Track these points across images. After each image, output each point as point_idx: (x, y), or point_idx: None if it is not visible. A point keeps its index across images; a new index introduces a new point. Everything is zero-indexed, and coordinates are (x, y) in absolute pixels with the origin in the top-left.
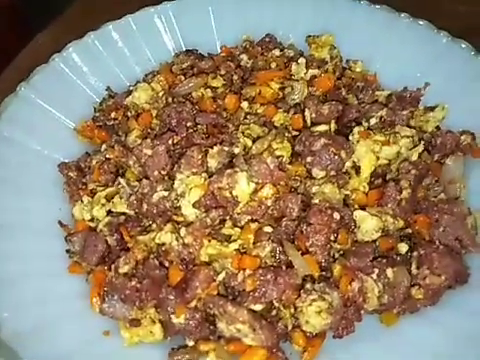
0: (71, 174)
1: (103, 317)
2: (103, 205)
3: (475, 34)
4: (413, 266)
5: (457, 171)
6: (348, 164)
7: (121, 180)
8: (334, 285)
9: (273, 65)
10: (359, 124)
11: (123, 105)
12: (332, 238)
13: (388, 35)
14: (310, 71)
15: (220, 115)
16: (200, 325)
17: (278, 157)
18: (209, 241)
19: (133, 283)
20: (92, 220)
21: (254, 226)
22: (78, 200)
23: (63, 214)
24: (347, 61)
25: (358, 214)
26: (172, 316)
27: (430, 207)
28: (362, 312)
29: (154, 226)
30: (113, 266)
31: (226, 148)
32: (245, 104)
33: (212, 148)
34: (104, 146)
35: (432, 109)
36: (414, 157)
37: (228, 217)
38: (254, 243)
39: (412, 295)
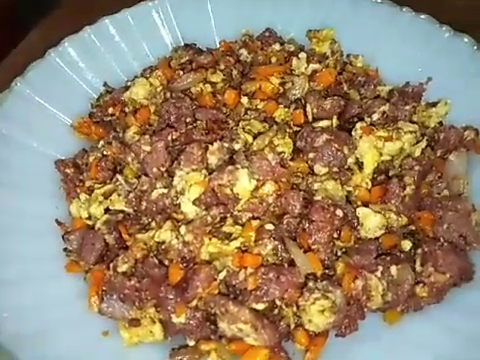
0: (68, 171)
1: (102, 317)
2: (101, 203)
3: (476, 29)
4: (417, 263)
5: (460, 167)
6: (351, 160)
7: (119, 177)
8: (337, 283)
9: (273, 60)
10: (361, 120)
11: (121, 101)
12: (335, 235)
13: (389, 29)
14: (311, 66)
15: (220, 110)
16: (201, 325)
17: (279, 153)
18: (210, 239)
19: (132, 282)
20: (90, 218)
21: (255, 223)
22: (75, 198)
23: (60, 212)
24: (348, 56)
25: (361, 211)
26: (172, 316)
27: (434, 204)
28: (365, 310)
29: (153, 224)
30: (111, 265)
31: (226, 144)
32: (245, 99)
33: (212, 144)
34: (101, 142)
35: (434, 104)
36: (417, 153)
37: (229, 214)
38: (255, 241)
39: (416, 293)
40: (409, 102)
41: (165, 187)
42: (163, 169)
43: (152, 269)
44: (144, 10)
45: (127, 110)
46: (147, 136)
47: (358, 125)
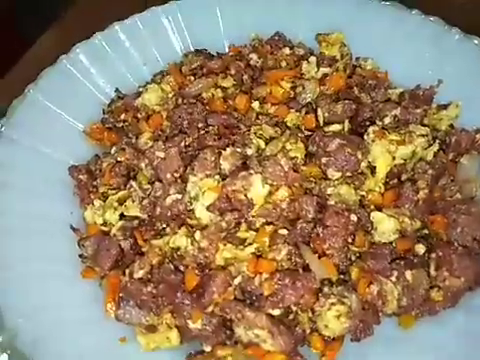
0: (82, 177)
1: (118, 323)
2: (115, 209)
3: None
4: (432, 268)
5: (472, 170)
6: (363, 164)
7: (133, 183)
8: (352, 288)
9: (283, 64)
10: (373, 123)
11: (132, 107)
12: (349, 240)
13: (398, 32)
14: (321, 70)
15: (231, 116)
16: (217, 330)
17: (292, 158)
18: (224, 245)
19: (149, 288)
20: (104, 224)
21: (269, 229)
22: (89, 203)
23: (75, 218)
24: (357, 59)
25: (375, 215)
26: (189, 321)
27: (447, 207)
28: (380, 315)
29: (168, 230)
30: (127, 271)
31: (239, 150)
32: (256, 104)
33: (225, 150)
34: (114, 148)
35: (445, 107)
36: (429, 156)
37: (243, 220)
38: (270, 246)
39: (431, 297)
40: (420, 105)
41: (179, 193)
42: (177, 175)
43: (168, 275)
44: (153, 15)
45: (139, 116)
46: (160, 142)
47: (370, 129)
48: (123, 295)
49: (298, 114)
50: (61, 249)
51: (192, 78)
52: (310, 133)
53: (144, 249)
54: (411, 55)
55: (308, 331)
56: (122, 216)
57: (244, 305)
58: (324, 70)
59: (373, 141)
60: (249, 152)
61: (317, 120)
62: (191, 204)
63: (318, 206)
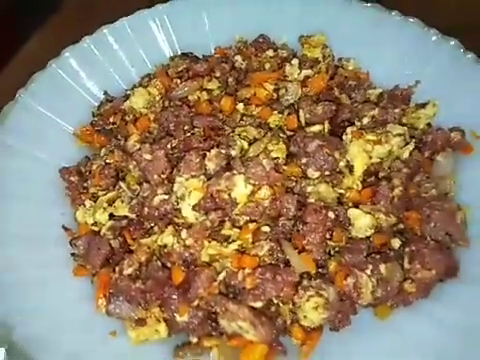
0: (72, 179)
1: (109, 318)
2: (105, 209)
3: (468, 30)
4: (405, 261)
5: (447, 167)
6: (342, 163)
7: (122, 184)
8: (330, 281)
9: (267, 66)
10: (352, 124)
11: (121, 109)
12: (327, 236)
13: (378, 33)
14: (303, 72)
15: (216, 117)
16: (203, 322)
17: (274, 159)
18: (209, 242)
19: (137, 285)
20: (95, 224)
21: (252, 226)
22: (80, 204)
23: (66, 218)
24: (340, 59)
25: (352, 212)
26: (176, 315)
27: (421, 204)
28: (357, 306)
29: (156, 229)
30: (117, 268)
31: (223, 151)
32: (240, 106)
33: (210, 151)
34: (104, 150)
35: (423, 106)
36: (405, 155)
37: (227, 218)
38: (253, 243)
39: (405, 289)
40: (398, 105)
41: (166, 193)
42: (164, 176)
43: (156, 272)
44: (141, 18)
45: (127, 119)
46: (147, 145)
47: (349, 130)
48: (113, 291)
49: (281, 115)
50: (54, 249)
51: (178, 81)
52: (292, 134)
53: (133, 247)
54: (391, 56)
55: (289, 322)
56: (112, 216)
57: (228, 299)
58: (306, 72)
59: (351, 141)
60: (233, 153)
61: (299, 121)
62: (178, 204)
63: (298, 204)
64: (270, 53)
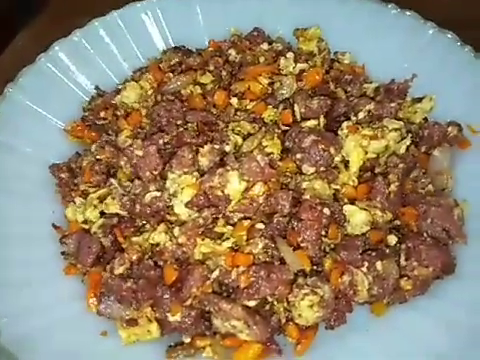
0: (63, 175)
1: (100, 317)
2: (96, 206)
3: (463, 24)
4: (402, 258)
5: (444, 162)
6: (337, 159)
7: (113, 181)
8: (325, 279)
9: (261, 59)
10: (348, 118)
11: (112, 104)
12: (323, 233)
13: (375, 26)
14: (298, 65)
15: (210, 112)
16: (196, 322)
17: (268, 154)
18: (202, 240)
19: (129, 284)
20: (86, 222)
21: (246, 223)
22: (70, 201)
23: (56, 216)
24: (335, 53)
25: (348, 208)
26: (168, 314)
27: (418, 199)
28: (353, 303)
29: (148, 226)
30: (108, 267)
31: (217, 146)
32: (234, 100)
33: (203, 147)
34: (94, 146)
35: (419, 100)
36: (402, 150)
37: (220, 215)
38: (247, 240)
39: (401, 286)
40: (394, 99)
41: (158, 190)
42: (156, 172)
43: (148, 271)
44: (133, 11)
45: (119, 114)
46: (139, 140)
47: (344, 124)
48: (104, 291)
49: (275, 110)
50: (44, 247)
51: (171, 75)
52: (287, 128)
53: (124, 246)
54: (387, 49)
55: (284, 320)
56: (102, 213)
57: (221, 297)
58: (301, 66)
59: (347, 136)
60: (227, 149)
61: (294, 116)
62: (170, 201)
63: (293, 200)
64: (265, 46)
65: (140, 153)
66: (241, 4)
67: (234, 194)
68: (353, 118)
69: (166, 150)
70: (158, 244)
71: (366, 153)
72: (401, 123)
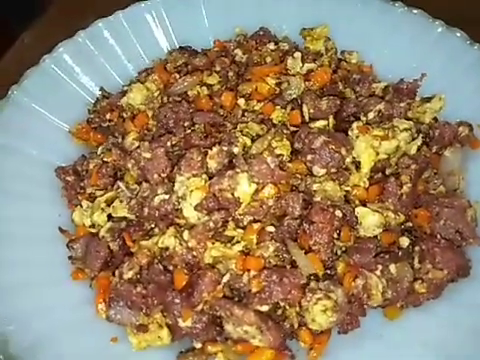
0: (69, 178)
1: (109, 323)
2: (103, 210)
3: (469, 23)
4: (415, 261)
5: (456, 163)
6: (348, 160)
7: (120, 184)
8: (338, 282)
9: (268, 59)
10: (357, 119)
11: (118, 106)
12: (335, 235)
13: (382, 25)
14: (306, 65)
15: (217, 113)
16: (207, 327)
17: (278, 156)
18: (212, 243)
19: (139, 289)
20: (93, 226)
21: (256, 226)
22: (77, 205)
23: (63, 219)
24: (342, 52)
25: (360, 210)
26: (179, 320)
27: (430, 201)
28: (366, 307)
29: (156, 230)
30: (117, 272)
31: (225, 148)
32: (242, 101)
33: (211, 149)
34: (101, 149)
35: (429, 100)
36: (413, 150)
37: (230, 218)
38: (257, 243)
39: (415, 289)
40: (404, 99)
41: (166, 193)
42: (164, 175)
43: (157, 275)
44: (137, 11)
45: (125, 115)
46: (146, 143)
47: (354, 125)
48: (113, 296)
49: (284, 111)
50: (51, 251)
51: (177, 76)
52: (296, 129)
53: (133, 250)
54: (395, 48)
55: (296, 325)
56: (110, 217)
57: (233, 302)
58: (309, 65)
59: (357, 137)
60: (235, 150)
61: (302, 116)
62: (179, 204)
63: (304, 203)
64: (271, 46)
65: (148, 155)
66: (246, 3)
67: (244, 196)
68: (363, 118)
69: (174, 152)
70: (167, 248)
71: (377, 154)
72: (411, 123)
